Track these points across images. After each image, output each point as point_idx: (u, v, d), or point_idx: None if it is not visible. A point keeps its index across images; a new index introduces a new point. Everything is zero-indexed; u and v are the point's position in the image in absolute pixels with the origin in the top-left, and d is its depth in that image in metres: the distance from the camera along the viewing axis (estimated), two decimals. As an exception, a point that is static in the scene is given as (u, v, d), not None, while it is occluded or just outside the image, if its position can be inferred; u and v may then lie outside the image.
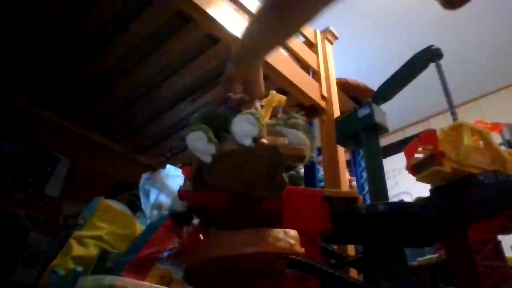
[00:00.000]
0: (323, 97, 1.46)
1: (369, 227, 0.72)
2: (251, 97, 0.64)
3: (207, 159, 0.58)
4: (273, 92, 0.68)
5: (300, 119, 0.72)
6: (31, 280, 1.28)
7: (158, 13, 1.09)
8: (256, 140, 0.57)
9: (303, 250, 0.59)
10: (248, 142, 0.57)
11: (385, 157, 0.80)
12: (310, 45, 1.59)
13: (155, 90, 1.38)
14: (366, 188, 1.42)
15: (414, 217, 0.67)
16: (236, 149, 0.58)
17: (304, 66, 1.48)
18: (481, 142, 0.67)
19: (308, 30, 1.58)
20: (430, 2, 0.49)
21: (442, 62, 0.80)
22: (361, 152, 0.82)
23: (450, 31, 2.33)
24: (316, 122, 1.53)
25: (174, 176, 1.15)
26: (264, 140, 0.58)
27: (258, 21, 0.63)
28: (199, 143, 0.59)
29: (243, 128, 0.58)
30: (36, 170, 1.53)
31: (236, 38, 1.12)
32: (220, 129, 0.61)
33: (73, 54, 1.24)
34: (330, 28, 1.65)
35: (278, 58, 1.28)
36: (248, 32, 0.65)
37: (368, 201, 0.79)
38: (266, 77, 1.32)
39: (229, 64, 0.66)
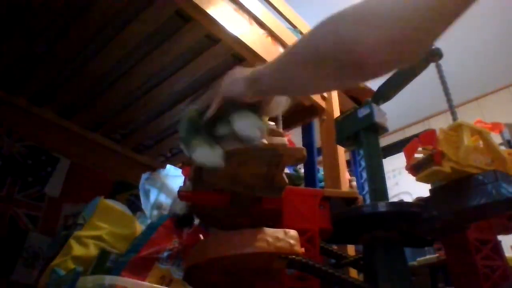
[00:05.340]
0: (323, 97, 1.46)
1: (369, 227, 0.72)
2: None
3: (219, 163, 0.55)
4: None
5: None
6: (31, 280, 1.28)
7: (158, 13, 1.08)
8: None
9: (303, 250, 0.60)
10: (259, 134, 0.54)
11: (385, 157, 0.80)
12: (310, 45, 1.59)
13: (155, 90, 1.38)
14: (366, 188, 1.42)
15: (414, 217, 0.67)
16: (236, 150, 0.57)
17: (304, 66, 1.48)
18: (481, 142, 0.67)
19: (308, 30, 1.57)
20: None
21: (442, 62, 0.80)
22: (361, 152, 0.82)
23: (450, 31, 2.33)
24: (316, 122, 1.53)
25: (174, 176, 1.15)
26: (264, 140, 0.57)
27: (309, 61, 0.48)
28: (205, 151, 0.55)
29: (251, 121, 0.55)
30: (36, 170, 1.53)
31: (236, 38, 1.12)
32: (210, 128, 0.58)
33: (73, 53, 1.24)
34: (330, 28, 1.64)
35: (278, 58, 1.27)
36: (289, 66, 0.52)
37: (368, 201, 0.79)
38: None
39: (241, 83, 0.55)
